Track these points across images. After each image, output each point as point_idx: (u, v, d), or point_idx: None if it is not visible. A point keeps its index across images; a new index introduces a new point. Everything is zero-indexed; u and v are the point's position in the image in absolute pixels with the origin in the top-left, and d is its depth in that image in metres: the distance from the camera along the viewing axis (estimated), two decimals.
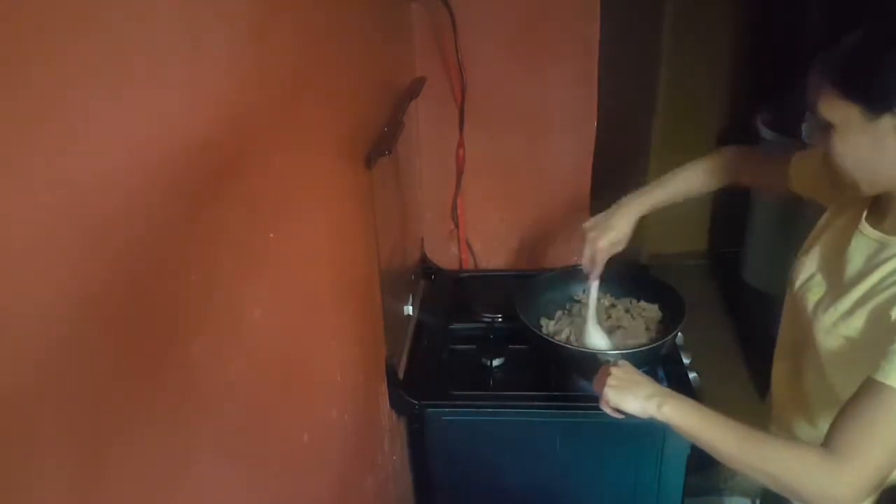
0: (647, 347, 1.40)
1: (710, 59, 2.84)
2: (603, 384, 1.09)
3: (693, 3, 2.75)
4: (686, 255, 3.10)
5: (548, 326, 1.55)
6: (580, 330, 1.45)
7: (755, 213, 2.66)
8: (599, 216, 1.34)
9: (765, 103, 2.57)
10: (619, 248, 1.34)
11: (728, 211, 2.95)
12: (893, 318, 0.90)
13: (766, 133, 2.47)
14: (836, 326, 1.01)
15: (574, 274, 1.65)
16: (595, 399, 1.41)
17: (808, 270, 1.11)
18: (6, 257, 0.40)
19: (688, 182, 1.34)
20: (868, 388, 0.87)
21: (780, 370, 1.22)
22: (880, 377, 0.86)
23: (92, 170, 0.48)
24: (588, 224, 1.35)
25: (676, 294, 1.50)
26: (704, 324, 2.61)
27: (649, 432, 1.39)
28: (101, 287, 0.49)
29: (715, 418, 0.95)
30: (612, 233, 1.32)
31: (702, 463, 1.47)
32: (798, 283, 1.12)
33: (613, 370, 1.09)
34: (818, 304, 1.06)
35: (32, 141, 0.42)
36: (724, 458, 0.94)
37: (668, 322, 1.50)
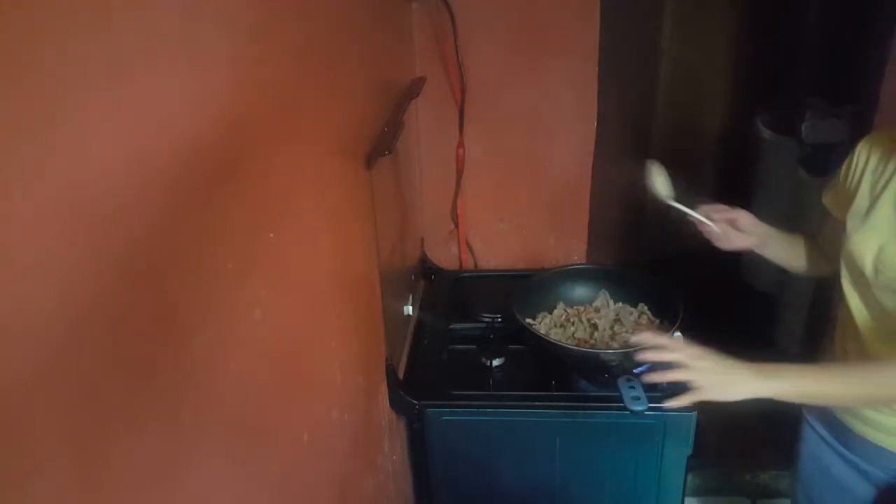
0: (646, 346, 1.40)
1: (710, 59, 2.84)
2: (674, 374, 1.01)
3: (693, 3, 2.75)
4: (686, 254, 3.10)
5: (545, 325, 1.55)
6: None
7: (755, 213, 2.66)
8: None
9: (765, 103, 2.56)
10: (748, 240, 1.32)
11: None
12: None
13: (766, 133, 2.46)
14: None
15: (573, 274, 1.66)
16: (595, 399, 1.40)
17: (876, 242, 1.05)
18: (7, 258, 0.40)
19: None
20: None
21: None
22: None
23: (92, 170, 0.48)
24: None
25: (673, 293, 1.50)
26: (704, 324, 2.60)
27: (649, 432, 1.40)
28: (102, 288, 0.49)
29: (817, 375, 1.00)
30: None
31: (702, 463, 1.47)
32: (870, 261, 1.06)
33: (693, 363, 1.01)
34: None
35: (33, 142, 0.42)
36: (838, 404, 1.02)
37: (665, 322, 1.50)
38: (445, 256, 1.95)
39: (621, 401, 1.24)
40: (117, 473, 0.52)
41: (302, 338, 0.94)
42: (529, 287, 1.59)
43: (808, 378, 1.00)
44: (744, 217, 1.30)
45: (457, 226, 1.91)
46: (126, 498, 0.53)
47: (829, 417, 1.24)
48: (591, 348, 1.45)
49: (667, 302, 1.52)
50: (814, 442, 1.30)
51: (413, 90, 1.59)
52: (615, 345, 1.47)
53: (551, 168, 1.84)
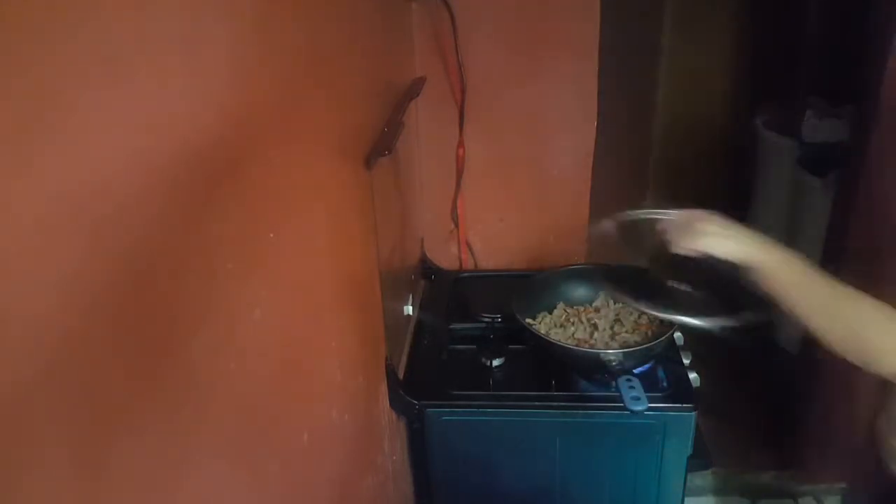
0: (646, 346, 1.40)
1: (711, 58, 2.84)
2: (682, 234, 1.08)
3: (693, 2, 2.75)
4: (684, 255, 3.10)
5: (545, 325, 1.55)
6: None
7: (755, 213, 2.66)
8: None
9: (765, 103, 2.57)
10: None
11: (728, 211, 2.95)
12: None
13: (765, 133, 2.47)
14: None
15: (573, 274, 1.66)
16: (595, 399, 1.40)
17: None
18: (7, 259, 0.40)
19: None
20: None
21: None
22: None
23: (92, 170, 0.48)
24: None
25: (672, 293, 1.50)
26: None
27: (649, 432, 1.40)
28: (102, 288, 0.49)
29: (812, 281, 0.98)
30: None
31: (702, 463, 1.48)
32: None
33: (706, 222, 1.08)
34: None
35: (33, 142, 0.42)
36: (806, 318, 0.98)
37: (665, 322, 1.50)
38: (445, 256, 1.95)
39: (621, 401, 1.25)
40: (117, 474, 0.52)
41: (302, 338, 0.94)
42: (529, 287, 1.59)
43: (792, 279, 0.99)
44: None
45: (457, 226, 1.91)
46: (126, 498, 0.53)
47: None
48: (591, 348, 1.45)
49: (664, 301, 1.51)
50: None
51: (413, 90, 1.59)
52: (615, 345, 1.47)
53: (551, 168, 1.84)
